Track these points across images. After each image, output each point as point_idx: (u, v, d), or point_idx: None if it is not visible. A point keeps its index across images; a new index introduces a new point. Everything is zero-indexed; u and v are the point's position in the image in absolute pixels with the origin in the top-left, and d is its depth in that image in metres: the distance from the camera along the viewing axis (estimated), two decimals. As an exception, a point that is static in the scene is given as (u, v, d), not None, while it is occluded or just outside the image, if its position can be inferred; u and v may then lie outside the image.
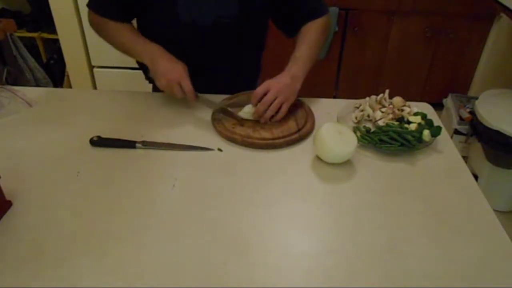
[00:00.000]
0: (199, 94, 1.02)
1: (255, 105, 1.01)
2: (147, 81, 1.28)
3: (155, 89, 1.26)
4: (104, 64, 2.47)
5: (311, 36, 1.10)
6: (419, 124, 1.00)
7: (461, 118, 2.20)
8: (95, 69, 2.49)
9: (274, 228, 0.77)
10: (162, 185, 0.85)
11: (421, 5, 2.41)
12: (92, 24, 1.14)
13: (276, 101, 0.99)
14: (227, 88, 1.13)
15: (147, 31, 1.10)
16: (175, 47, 1.03)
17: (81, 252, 0.70)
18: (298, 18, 1.13)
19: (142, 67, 1.16)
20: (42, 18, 2.53)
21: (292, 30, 1.15)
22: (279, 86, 1.00)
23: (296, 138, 0.99)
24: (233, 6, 1.05)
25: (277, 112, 1.01)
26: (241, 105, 1.08)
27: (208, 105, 1.06)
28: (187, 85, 0.97)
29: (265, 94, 1.00)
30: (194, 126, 1.04)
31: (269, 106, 0.99)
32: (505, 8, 1.89)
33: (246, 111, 1.03)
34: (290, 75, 1.03)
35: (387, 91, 1.10)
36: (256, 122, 1.03)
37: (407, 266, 0.70)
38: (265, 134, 1.00)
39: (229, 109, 1.03)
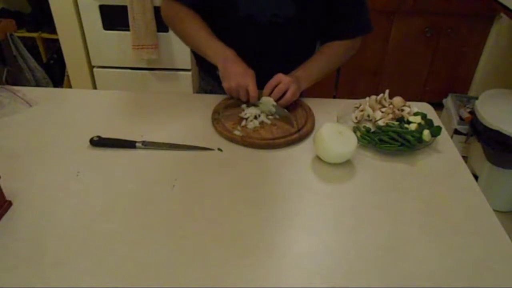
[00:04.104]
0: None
1: (267, 94, 1.05)
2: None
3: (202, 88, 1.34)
4: (104, 64, 2.46)
5: (329, 55, 1.17)
6: (419, 124, 0.99)
7: (461, 118, 2.20)
8: (95, 69, 2.49)
9: (274, 228, 0.77)
10: (162, 185, 0.85)
11: (421, 5, 2.41)
12: (167, 16, 1.17)
13: (289, 93, 1.04)
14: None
15: (206, 22, 1.13)
16: (231, 40, 1.07)
17: (81, 252, 0.70)
18: (332, 32, 1.17)
19: (200, 64, 1.28)
20: (42, 18, 2.53)
21: (323, 39, 1.20)
22: (289, 80, 1.05)
23: (296, 138, 0.99)
24: (288, 7, 1.08)
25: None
26: (241, 105, 1.08)
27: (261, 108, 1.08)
28: (253, 90, 1.02)
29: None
30: (194, 126, 1.04)
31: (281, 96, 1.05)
32: (505, 8, 1.89)
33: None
34: (295, 75, 1.09)
35: (387, 91, 1.10)
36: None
37: (407, 266, 0.70)
38: (265, 134, 1.00)
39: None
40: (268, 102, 1.05)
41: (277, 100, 1.05)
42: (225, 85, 1.04)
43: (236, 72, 1.03)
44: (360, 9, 1.14)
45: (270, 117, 1.05)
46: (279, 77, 1.05)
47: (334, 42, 1.17)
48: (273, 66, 1.07)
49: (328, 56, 1.17)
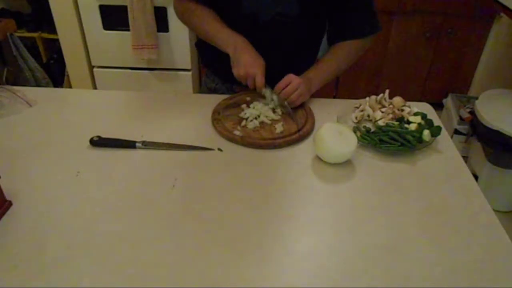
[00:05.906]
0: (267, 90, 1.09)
1: (277, 94, 1.07)
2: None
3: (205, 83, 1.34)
4: (104, 64, 2.47)
5: (341, 55, 1.17)
6: (419, 124, 0.99)
7: (461, 118, 2.20)
8: (95, 69, 2.49)
9: (274, 228, 0.77)
10: (162, 185, 0.85)
11: (421, 5, 2.41)
12: (178, 12, 1.19)
13: (296, 93, 1.05)
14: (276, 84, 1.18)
15: None
16: None
17: (81, 252, 0.70)
18: (342, 31, 1.17)
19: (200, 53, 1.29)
20: (42, 18, 2.53)
21: (331, 39, 1.20)
22: (299, 80, 1.06)
23: (296, 138, 0.99)
24: (292, 7, 1.09)
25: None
26: (241, 104, 1.08)
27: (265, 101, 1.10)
28: (260, 82, 1.04)
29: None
30: (194, 126, 1.04)
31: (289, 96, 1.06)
32: (505, 8, 1.89)
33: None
34: (307, 77, 1.10)
35: (387, 91, 1.10)
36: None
37: (407, 266, 0.70)
38: (265, 134, 1.00)
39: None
40: (269, 92, 1.06)
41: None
42: (234, 71, 1.05)
43: (245, 61, 1.03)
44: (370, 8, 1.14)
45: (271, 115, 1.05)
46: (290, 77, 1.06)
47: (345, 42, 1.16)
48: (277, 64, 1.07)
49: (339, 56, 1.17)
